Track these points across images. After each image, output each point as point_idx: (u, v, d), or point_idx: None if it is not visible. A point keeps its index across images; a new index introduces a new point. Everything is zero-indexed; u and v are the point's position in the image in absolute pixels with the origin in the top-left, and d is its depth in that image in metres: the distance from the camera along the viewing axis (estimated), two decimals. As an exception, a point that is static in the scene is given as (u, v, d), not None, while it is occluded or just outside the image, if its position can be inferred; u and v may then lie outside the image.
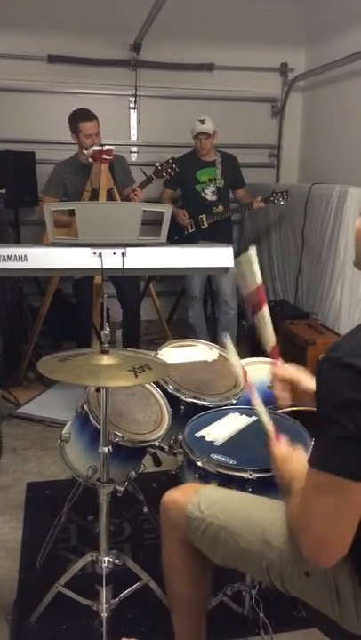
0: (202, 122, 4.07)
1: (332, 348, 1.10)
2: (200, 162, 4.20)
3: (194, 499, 1.44)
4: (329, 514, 1.09)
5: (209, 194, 4.22)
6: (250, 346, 4.42)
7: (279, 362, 1.59)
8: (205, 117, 4.08)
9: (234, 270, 2.64)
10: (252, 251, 1.61)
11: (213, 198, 4.23)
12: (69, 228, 3.28)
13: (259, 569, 1.35)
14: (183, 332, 4.41)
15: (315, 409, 1.33)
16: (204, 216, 4.20)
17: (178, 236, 4.13)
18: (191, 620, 1.57)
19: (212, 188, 4.21)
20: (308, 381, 1.52)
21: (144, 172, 3.91)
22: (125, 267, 2.64)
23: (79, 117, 3.61)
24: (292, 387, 1.54)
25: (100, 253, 2.62)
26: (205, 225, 4.21)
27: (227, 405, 2.04)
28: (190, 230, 4.20)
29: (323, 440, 1.09)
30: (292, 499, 1.25)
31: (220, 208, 4.23)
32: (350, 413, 1.03)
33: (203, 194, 4.22)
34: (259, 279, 1.61)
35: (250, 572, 1.65)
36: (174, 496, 1.50)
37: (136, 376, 1.51)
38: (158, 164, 3.81)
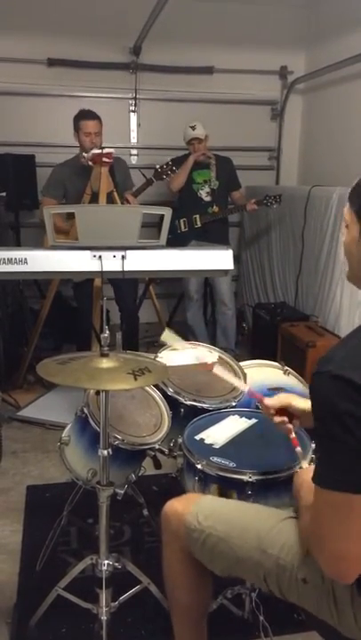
0: (193, 128, 4.14)
1: (322, 362, 1.09)
2: (195, 163, 4.24)
3: (193, 509, 1.45)
4: (343, 531, 1.08)
5: (204, 194, 4.26)
6: (250, 347, 4.43)
7: (263, 397, 1.63)
8: (196, 123, 4.14)
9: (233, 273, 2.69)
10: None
11: (208, 199, 4.26)
12: (67, 235, 3.29)
13: (257, 577, 1.35)
14: (183, 334, 4.41)
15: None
16: (197, 216, 4.23)
17: (171, 235, 4.15)
18: (191, 626, 1.58)
19: (206, 189, 4.26)
20: (298, 401, 1.56)
21: (144, 175, 3.91)
22: (125, 269, 2.65)
23: (81, 115, 3.66)
24: (288, 412, 1.57)
25: (100, 256, 2.63)
26: (199, 225, 4.24)
27: (226, 408, 2.04)
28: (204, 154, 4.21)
29: (325, 457, 1.09)
30: (303, 515, 1.25)
31: (216, 209, 4.26)
32: (348, 427, 1.02)
33: (199, 194, 4.26)
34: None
35: (250, 581, 1.65)
36: (175, 506, 1.50)
37: (135, 379, 1.51)
38: (158, 167, 3.83)
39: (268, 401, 1.59)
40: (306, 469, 1.45)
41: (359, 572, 1.13)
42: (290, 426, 1.57)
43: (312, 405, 1.10)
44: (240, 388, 1.90)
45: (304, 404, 1.56)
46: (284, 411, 1.57)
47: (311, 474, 1.32)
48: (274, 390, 2.11)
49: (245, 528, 1.37)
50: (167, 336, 2.09)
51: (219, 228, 4.31)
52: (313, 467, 1.43)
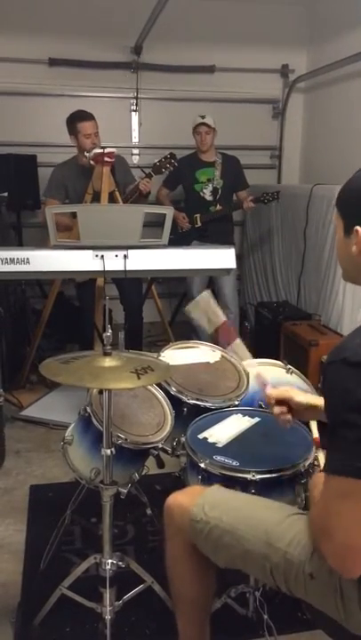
0: (203, 117, 4.12)
1: (336, 350, 1.09)
2: (200, 162, 4.23)
3: (198, 501, 1.44)
4: (352, 520, 1.07)
5: (207, 194, 4.25)
6: (252, 346, 4.42)
7: (268, 385, 1.65)
8: (206, 114, 4.13)
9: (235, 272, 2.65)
10: (207, 293, 1.95)
11: (211, 198, 4.26)
12: (71, 231, 3.28)
13: (263, 571, 1.34)
14: (186, 333, 4.41)
15: (315, 420, 1.32)
16: (198, 215, 4.22)
17: (172, 235, 4.15)
18: (195, 622, 1.57)
19: (210, 188, 4.24)
20: (300, 396, 1.57)
21: (143, 171, 3.91)
22: (127, 269, 2.65)
23: (77, 118, 3.63)
24: (288, 405, 1.58)
25: (103, 256, 2.63)
26: (199, 224, 4.22)
27: (229, 407, 2.04)
28: (186, 226, 4.21)
29: (338, 444, 1.08)
30: (313, 508, 1.25)
31: (218, 208, 4.25)
32: None
33: (202, 193, 4.25)
34: (222, 316, 1.92)
35: (254, 574, 1.65)
36: (179, 499, 1.49)
37: (138, 378, 1.51)
38: (157, 160, 3.79)
39: (270, 391, 1.60)
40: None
41: None
42: (289, 417, 1.57)
43: (326, 394, 1.10)
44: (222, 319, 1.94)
45: (305, 398, 1.56)
46: (284, 402, 1.57)
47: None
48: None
49: (252, 520, 1.37)
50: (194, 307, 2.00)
51: (221, 228, 4.29)
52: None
